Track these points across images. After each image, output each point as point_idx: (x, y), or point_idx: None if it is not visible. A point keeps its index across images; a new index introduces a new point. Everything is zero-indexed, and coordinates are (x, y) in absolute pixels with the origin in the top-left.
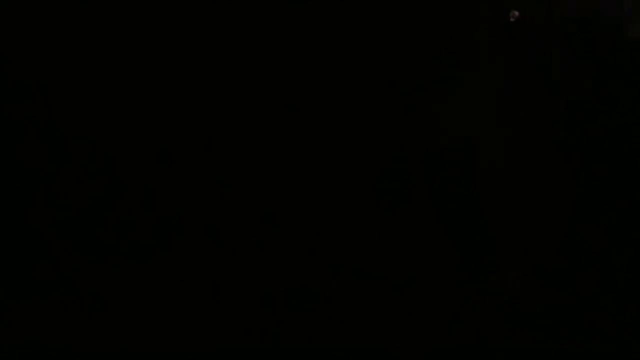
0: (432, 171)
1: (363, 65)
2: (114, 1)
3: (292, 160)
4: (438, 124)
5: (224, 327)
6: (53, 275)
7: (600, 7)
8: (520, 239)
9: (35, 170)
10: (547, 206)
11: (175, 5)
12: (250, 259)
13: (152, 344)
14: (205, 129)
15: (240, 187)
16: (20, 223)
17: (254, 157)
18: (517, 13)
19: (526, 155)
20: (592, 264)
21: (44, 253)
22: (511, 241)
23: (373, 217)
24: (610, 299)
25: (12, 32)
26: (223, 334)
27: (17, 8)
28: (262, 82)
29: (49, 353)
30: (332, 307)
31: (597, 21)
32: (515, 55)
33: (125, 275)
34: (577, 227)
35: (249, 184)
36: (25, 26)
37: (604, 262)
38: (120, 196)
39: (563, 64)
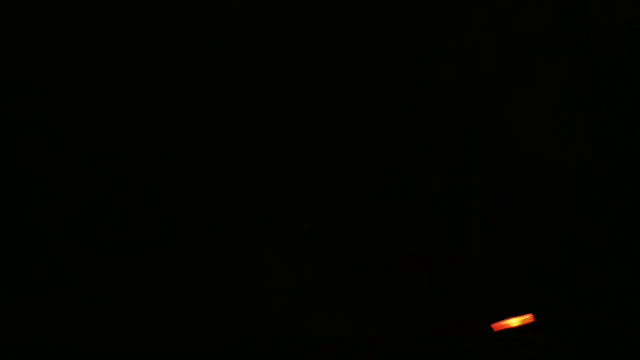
0: (432, 169)
1: (363, 65)
2: (114, 1)
3: (292, 158)
4: (437, 123)
5: (224, 326)
6: (53, 274)
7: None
8: (520, 238)
9: (35, 169)
10: (547, 206)
11: (175, 6)
12: (250, 258)
13: (152, 342)
14: (205, 128)
15: (239, 186)
16: (21, 222)
17: (254, 156)
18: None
19: (525, 153)
20: (592, 264)
21: (44, 252)
22: (511, 239)
23: (373, 214)
24: (610, 299)
25: (12, 32)
26: (222, 332)
27: (17, 8)
28: (263, 82)
29: (49, 351)
30: (332, 307)
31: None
32: (512, 53)
33: (124, 274)
34: (577, 227)
35: (248, 183)
36: (25, 26)
37: (604, 262)
38: (120, 195)
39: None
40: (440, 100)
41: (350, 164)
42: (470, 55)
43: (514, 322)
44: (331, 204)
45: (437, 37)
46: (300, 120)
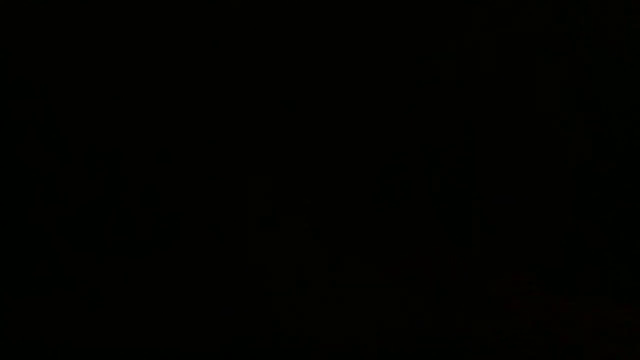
0: (432, 169)
1: (363, 65)
2: (114, 1)
3: (292, 158)
4: (437, 123)
5: (224, 326)
6: (53, 274)
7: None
8: (520, 238)
9: (35, 169)
10: (547, 206)
11: (175, 6)
12: (250, 257)
13: (152, 342)
14: (205, 128)
15: (239, 186)
16: (21, 222)
17: (254, 156)
18: None
19: (525, 153)
20: (592, 264)
21: (44, 252)
22: (511, 239)
23: (373, 214)
24: (610, 299)
25: (12, 32)
26: (222, 332)
27: (17, 8)
28: (263, 82)
29: (49, 351)
30: (332, 307)
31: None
32: (512, 53)
33: (124, 274)
34: (577, 227)
35: (248, 183)
36: (25, 26)
37: (604, 262)
38: (120, 195)
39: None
40: (440, 100)
41: (351, 164)
42: (470, 55)
43: None
44: (331, 204)
45: (437, 37)
46: (300, 120)
